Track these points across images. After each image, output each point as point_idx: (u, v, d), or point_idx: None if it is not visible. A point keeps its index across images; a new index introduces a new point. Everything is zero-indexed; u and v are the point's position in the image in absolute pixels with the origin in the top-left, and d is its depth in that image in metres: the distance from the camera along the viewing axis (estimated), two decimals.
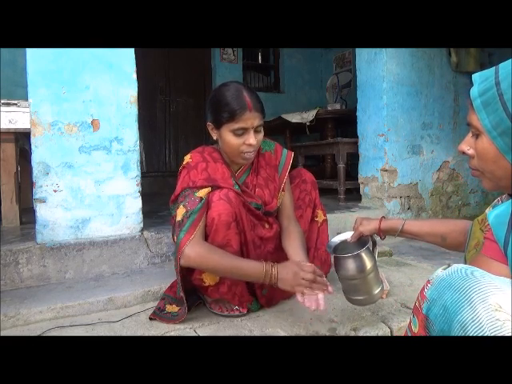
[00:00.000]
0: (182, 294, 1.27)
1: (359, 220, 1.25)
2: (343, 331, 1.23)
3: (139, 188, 1.78)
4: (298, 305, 1.18)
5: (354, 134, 2.79)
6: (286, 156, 1.50)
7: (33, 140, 1.59)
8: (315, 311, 1.15)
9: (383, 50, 2.46)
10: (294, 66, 5.18)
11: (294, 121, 3.37)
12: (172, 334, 1.23)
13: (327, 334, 1.21)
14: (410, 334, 0.76)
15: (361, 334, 1.22)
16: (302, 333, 1.23)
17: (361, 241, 1.23)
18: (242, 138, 1.27)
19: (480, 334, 0.57)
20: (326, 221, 1.59)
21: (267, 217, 1.42)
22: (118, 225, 1.74)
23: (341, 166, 2.79)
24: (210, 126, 1.34)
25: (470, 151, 0.79)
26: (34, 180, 1.59)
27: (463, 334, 0.60)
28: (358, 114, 2.71)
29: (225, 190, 1.26)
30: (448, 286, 0.65)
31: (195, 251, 1.19)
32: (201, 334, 1.23)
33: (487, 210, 0.86)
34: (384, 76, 2.46)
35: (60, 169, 1.62)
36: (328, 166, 3.62)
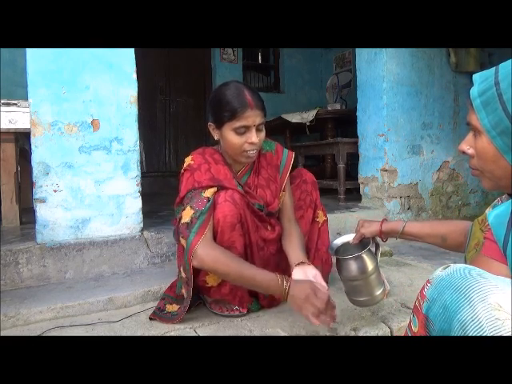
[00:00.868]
0: (184, 291, 1.27)
1: (361, 222, 1.27)
2: (343, 331, 1.23)
3: (139, 188, 1.78)
4: None
5: (354, 134, 2.78)
6: (287, 156, 1.50)
7: (33, 140, 1.59)
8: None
9: (383, 50, 2.45)
10: (294, 66, 5.18)
11: (294, 121, 3.37)
12: (172, 333, 1.23)
13: (327, 334, 1.21)
14: (410, 334, 0.76)
15: (361, 334, 1.22)
16: (302, 333, 1.23)
17: (363, 243, 1.24)
18: (244, 136, 1.26)
19: (480, 334, 0.57)
20: (326, 221, 1.59)
21: (270, 218, 1.41)
22: (118, 225, 1.74)
23: (341, 166, 2.79)
24: (211, 126, 1.33)
25: (470, 151, 0.79)
26: (34, 180, 1.59)
27: (463, 334, 0.60)
28: (358, 114, 2.71)
29: (230, 191, 1.26)
30: (448, 285, 0.65)
31: (208, 254, 1.17)
32: (201, 334, 1.23)
33: (487, 211, 0.86)
34: (384, 76, 2.46)
35: (60, 169, 1.62)
36: (328, 166, 3.62)
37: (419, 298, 0.72)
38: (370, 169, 2.62)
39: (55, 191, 1.62)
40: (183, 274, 1.25)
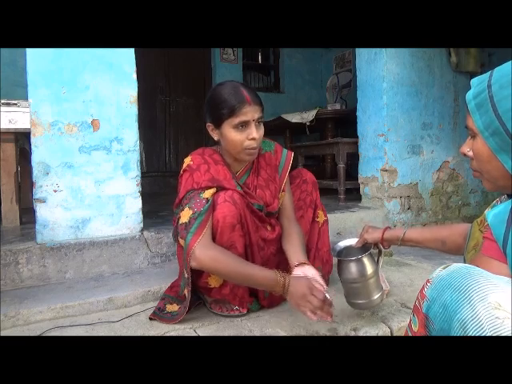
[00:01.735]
0: (186, 292, 1.27)
1: (366, 227, 1.31)
2: (343, 331, 1.23)
3: (139, 188, 1.78)
4: None
5: (354, 134, 2.78)
6: (286, 156, 1.50)
7: (33, 140, 1.59)
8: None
9: (383, 50, 2.45)
10: (294, 66, 5.18)
11: (293, 121, 3.37)
12: (172, 334, 1.23)
13: (327, 334, 1.21)
14: (410, 334, 0.77)
15: (361, 334, 1.22)
16: (302, 333, 1.23)
17: (365, 247, 1.27)
18: (244, 132, 1.26)
19: (480, 333, 0.58)
20: (326, 221, 1.59)
21: (269, 218, 1.41)
22: (118, 225, 1.74)
23: (341, 166, 2.79)
24: (209, 126, 1.33)
25: (470, 153, 0.81)
26: (34, 180, 1.59)
27: (463, 333, 0.60)
28: (358, 113, 2.71)
29: (229, 191, 1.26)
30: (448, 284, 0.66)
31: (207, 254, 1.17)
32: (201, 334, 1.23)
33: (486, 211, 0.86)
34: (384, 76, 2.46)
35: (60, 169, 1.62)
36: (328, 166, 3.62)
37: (419, 297, 0.72)
38: (370, 169, 2.62)
39: (55, 191, 1.62)
40: (186, 275, 1.25)
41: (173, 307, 1.33)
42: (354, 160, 3.15)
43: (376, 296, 1.22)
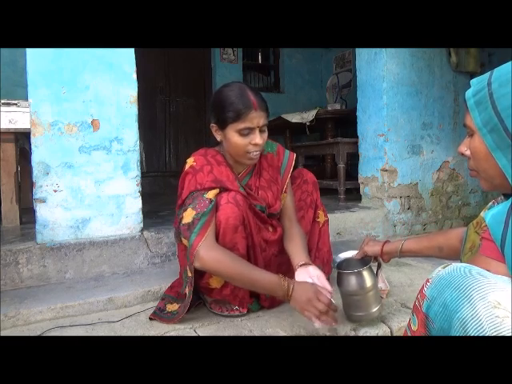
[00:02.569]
0: (186, 291, 1.27)
1: (366, 240, 1.33)
2: (343, 331, 1.23)
3: (139, 188, 1.78)
4: None
5: (354, 134, 2.78)
6: (289, 157, 1.49)
7: (33, 140, 1.59)
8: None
9: (383, 50, 2.45)
10: (294, 66, 5.18)
11: (294, 121, 3.37)
12: (172, 333, 1.23)
13: (327, 334, 1.21)
14: (409, 333, 0.77)
15: (361, 334, 1.22)
16: (302, 333, 1.23)
17: (364, 260, 1.29)
18: (247, 137, 1.26)
19: (479, 331, 0.58)
20: (327, 221, 1.59)
21: (271, 219, 1.41)
22: (118, 225, 1.74)
23: (341, 166, 2.79)
24: (213, 127, 1.32)
25: (467, 152, 0.82)
26: (34, 180, 1.59)
27: (463, 332, 0.60)
28: (358, 113, 2.71)
29: (232, 192, 1.26)
30: (447, 284, 0.66)
31: (211, 255, 1.17)
32: (201, 334, 1.23)
33: (482, 213, 0.86)
34: (384, 76, 2.46)
35: (60, 169, 1.62)
36: (328, 166, 3.62)
37: (419, 297, 0.73)
38: (370, 169, 2.62)
39: (55, 191, 1.62)
40: (189, 274, 1.25)
41: (173, 307, 1.33)
42: (354, 160, 3.15)
43: (374, 309, 1.23)
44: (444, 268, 0.70)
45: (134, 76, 1.75)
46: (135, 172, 1.76)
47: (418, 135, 2.60)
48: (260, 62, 5.49)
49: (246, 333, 1.23)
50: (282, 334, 1.22)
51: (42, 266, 1.58)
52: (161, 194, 3.90)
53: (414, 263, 1.98)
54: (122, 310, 1.41)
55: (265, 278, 1.17)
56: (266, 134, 1.31)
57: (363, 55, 2.62)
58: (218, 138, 1.33)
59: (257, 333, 1.23)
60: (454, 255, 1.10)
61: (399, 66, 2.50)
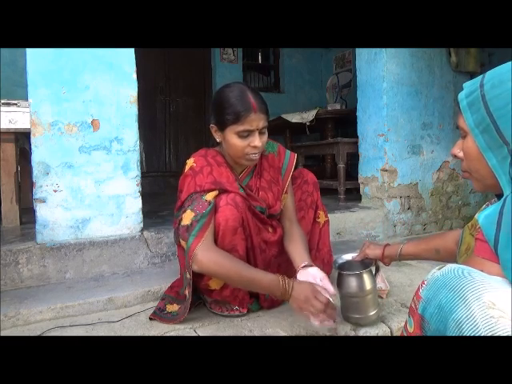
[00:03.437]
0: (186, 292, 1.27)
1: (367, 244, 1.34)
2: (343, 331, 1.23)
3: (139, 188, 1.78)
4: None
5: (354, 134, 2.78)
6: (289, 158, 1.49)
7: (33, 140, 1.59)
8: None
9: (383, 50, 2.45)
10: (294, 65, 5.18)
11: (294, 121, 3.37)
12: (172, 334, 1.23)
13: (327, 334, 1.21)
14: (405, 335, 0.77)
15: (361, 333, 1.22)
16: (302, 333, 1.23)
17: (365, 263, 1.30)
18: (246, 139, 1.25)
19: (475, 332, 0.59)
20: (327, 221, 1.59)
21: (271, 220, 1.41)
22: (118, 225, 1.74)
23: (341, 166, 2.79)
24: (213, 127, 1.32)
25: (460, 154, 0.84)
26: (34, 180, 1.59)
27: (458, 333, 0.61)
28: (358, 113, 2.71)
29: (232, 194, 1.25)
30: (443, 285, 0.67)
31: (209, 258, 1.16)
32: (201, 334, 1.23)
33: (476, 215, 0.87)
34: (384, 76, 2.46)
35: (60, 169, 1.62)
36: (328, 166, 3.62)
37: (415, 298, 0.74)
38: (370, 169, 2.62)
39: (55, 191, 1.62)
40: (188, 276, 1.25)
41: (173, 307, 1.33)
42: (354, 160, 3.15)
43: (372, 312, 1.23)
44: (439, 269, 0.71)
45: (134, 76, 1.75)
46: (135, 172, 1.76)
47: (417, 135, 2.60)
48: (260, 62, 5.49)
49: (246, 333, 1.23)
50: (282, 333, 1.22)
51: (42, 266, 1.58)
52: (161, 194, 3.90)
53: (414, 263, 1.98)
54: (122, 310, 1.41)
55: (263, 278, 1.16)
56: (265, 136, 1.30)
57: (363, 55, 2.62)
58: (218, 138, 1.33)
59: (257, 333, 1.23)
60: (451, 257, 1.11)
61: (399, 66, 2.50)
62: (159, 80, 4.54)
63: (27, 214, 2.13)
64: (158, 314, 1.32)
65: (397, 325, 1.27)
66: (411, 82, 2.55)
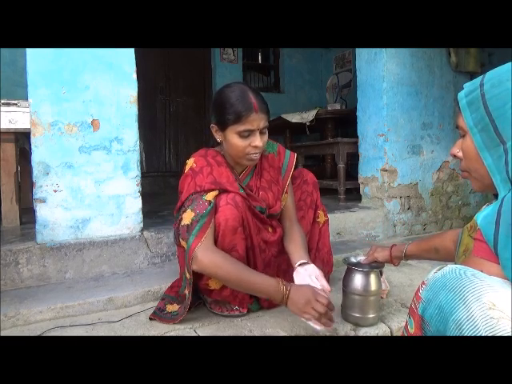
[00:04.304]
0: (186, 291, 1.27)
1: (374, 247, 1.36)
2: (343, 331, 1.23)
3: (139, 188, 1.78)
4: None
5: (354, 134, 2.78)
6: (289, 158, 1.49)
7: (33, 140, 1.59)
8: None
9: (383, 50, 2.45)
10: (294, 66, 5.18)
11: (294, 121, 3.37)
12: (172, 334, 1.23)
13: (327, 334, 1.21)
14: (406, 335, 0.77)
15: (361, 333, 1.22)
16: (302, 333, 1.23)
17: (373, 266, 1.31)
18: (247, 139, 1.25)
19: (475, 333, 0.59)
20: (327, 221, 1.59)
21: (271, 220, 1.41)
22: (118, 225, 1.74)
23: (341, 166, 2.79)
24: (213, 127, 1.32)
25: (460, 153, 0.84)
26: (34, 180, 1.59)
27: (458, 333, 0.61)
28: (358, 113, 2.71)
29: (231, 194, 1.25)
30: (442, 286, 0.67)
31: (209, 258, 1.16)
32: (201, 334, 1.23)
33: (476, 216, 0.87)
34: (384, 76, 2.46)
35: (60, 169, 1.62)
36: (328, 166, 3.62)
37: (415, 299, 0.73)
38: (370, 169, 2.62)
39: (55, 191, 1.62)
40: (187, 275, 1.25)
41: (173, 307, 1.33)
42: (354, 160, 3.15)
43: (372, 315, 1.24)
44: (439, 270, 0.71)
45: (134, 76, 1.75)
46: (135, 172, 1.76)
47: (417, 135, 2.60)
48: (260, 62, 5.49)
49: (246, 333, 1.23)
50: (282, 333, 1.22)
51: (42, 266, 1.58)
52: (161, 194, 3.90)
53: (414, 263, 1.98)
54: (122, 310, 1.41)
55: (261, 282, 1.15)
56: (266, 136, 1.30)
57: (363, 55, 2.62)
58: (218, 138, 1.33)
59: (257, 333, 1.23)
60: (450, 257, 1.11)
61: (399, 66, 2.50)
62: (159, 80, 4.54)
63: (27, 213, 2.13)
64: (158, 314, 1.32)
65: (397, 325, 1.27)
66: (411, 81, 2.55)
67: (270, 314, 1.36)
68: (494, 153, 0.73)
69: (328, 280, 1.62)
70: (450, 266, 0.70)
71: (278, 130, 3.77)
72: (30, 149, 1.60)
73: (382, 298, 1.44)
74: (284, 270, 1.41)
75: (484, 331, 0.57)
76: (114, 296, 1.43)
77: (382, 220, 2.48)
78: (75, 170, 1.65)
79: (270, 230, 1.40)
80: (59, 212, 1.63)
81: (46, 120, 1.60)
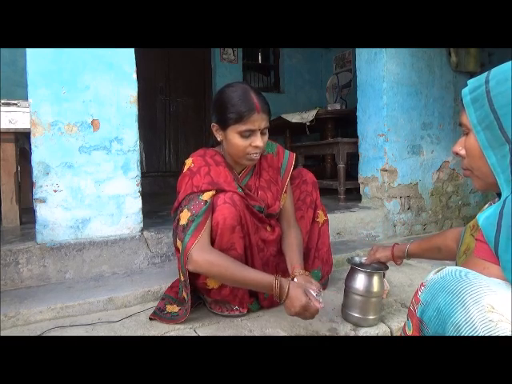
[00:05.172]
0: (184, 294, 1.27)
1: (375, 247, 1.36)
2: (343, 331, 1.23)
3: (139, 188, 1.78)
4: None
5: (354, 134, 2.78)
6: (289, 158, 1.49)
7: (33, 140, 1.59)
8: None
9: (383, 50, 2.45)
10: (294, 66, 5.18)
11: (294, 121, 3.37)
12: (172, 334, 1.23)
13: (327, 334, 1.21)
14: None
15: (361, 333, 1.22)
16: (302, 333, 1.23)
17: (375, 267, 1.32)
18: (248, 139, 1.25)
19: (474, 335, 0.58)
20: (326, 221, 1.59)
21: (269, 219, 1.41)
22: (118, 225, 1.74)
23: (341, 166, 2.79)
24: (214, 126, 1.32)
25: (462, 151, 0.83)
26: (34, 180, 1.59)
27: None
28: (358, 113, 2.71)
29: (229, 193, 1.25)
30: (441, 288, 0.66)
31: (204, 257, 1.17)
32: (201, 334, 1.23)
33: (477, 215, 0.87)
34: (384, 76, 2.46)
35: (60, 169, 1.62)
36: (328, 166, 3.62)
37: (413, 301, 0.73)
38: (370, 169, 2.62)
39: (55, 191, 1.62)
40: (182, 278, 1.25)
41: (173, 308, 1.33)
42: (354, 160, 3.15)
43: (372, 317, 1.24)
44: (437, 272, 0.70)
45: (134, 76, 1.75)
46: (135, 172, 1.76)
47: (417, 135, 2.60)
48: (260, 62, 5.49)
49: (246, 333, 1.23)
50: (282, 333, 1.22)
51: (42, 266, 1.58)
52: (161, 194, 3.90)
53: (414, 263, 1.98)
54: (122, 310, 1.41)
55: (258, 280, 1.15)
56: (266, 137, 1.31)
57: (363, 55, 2.62)
58: (219, 137, 1.33)
59: (257, 333, 1.23)
60: (452, 256, 1.10)
61: (399, 65, 2.50)
62: (159, 80, 4.54)
63: (27, 213, 2.13)
64: (158, 314, 1.32)
65: (397, 325, 1.27)
66: (411, 81, 2.55)
67: (270, 314, 1.36)
68: (498, 152, 0.72)
69: (328, 279, 1.63)
70: (449, 268, 0.69)
71: (278, 129, 3.77)
72: (30, 149, 1.60)
73: (382, 298, 1.44)
74: (283, 269, 1.41)
75: (482, 334, 0.57)
76: (114, 296, 1.43)
77: (382, 220, 2.48)
78: (75, 170, 1.65)
79: (268, 229, 1.40)
80: (59, 212, 1.63)
81: (46, 120, 1.60)
